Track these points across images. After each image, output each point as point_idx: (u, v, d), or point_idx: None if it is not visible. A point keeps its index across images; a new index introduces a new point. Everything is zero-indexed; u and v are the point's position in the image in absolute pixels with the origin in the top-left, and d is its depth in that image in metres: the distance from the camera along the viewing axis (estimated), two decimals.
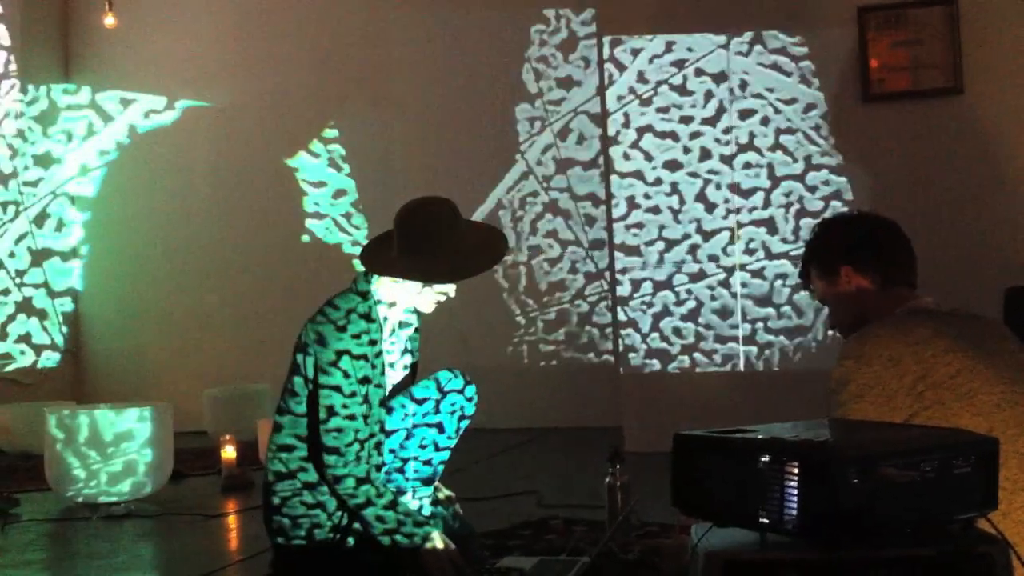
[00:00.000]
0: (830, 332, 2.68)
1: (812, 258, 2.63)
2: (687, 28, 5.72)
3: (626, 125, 5.79)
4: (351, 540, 3.08)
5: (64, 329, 7.87)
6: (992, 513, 1.88)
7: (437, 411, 3.34)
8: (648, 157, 5.77)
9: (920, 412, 2.22)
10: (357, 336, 3.06)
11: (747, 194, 5.64)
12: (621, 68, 5.81)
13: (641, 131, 5.77)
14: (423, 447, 3.34)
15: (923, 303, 2.45)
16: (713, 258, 5.68)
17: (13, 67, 7.56)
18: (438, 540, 3.00)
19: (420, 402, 3.33)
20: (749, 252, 5.65)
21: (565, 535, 3.64)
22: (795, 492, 1.76)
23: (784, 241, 5.61)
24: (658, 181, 5.75)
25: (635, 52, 5.79)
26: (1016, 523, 2.11)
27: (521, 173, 7.19)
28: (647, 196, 5.77)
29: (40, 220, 7.75)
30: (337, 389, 3.02)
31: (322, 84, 7.58)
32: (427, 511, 3.31)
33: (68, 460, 4.65)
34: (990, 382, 2.24)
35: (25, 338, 7.53)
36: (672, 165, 5.74)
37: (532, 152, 7.18)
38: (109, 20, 7.03)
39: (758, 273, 5.64)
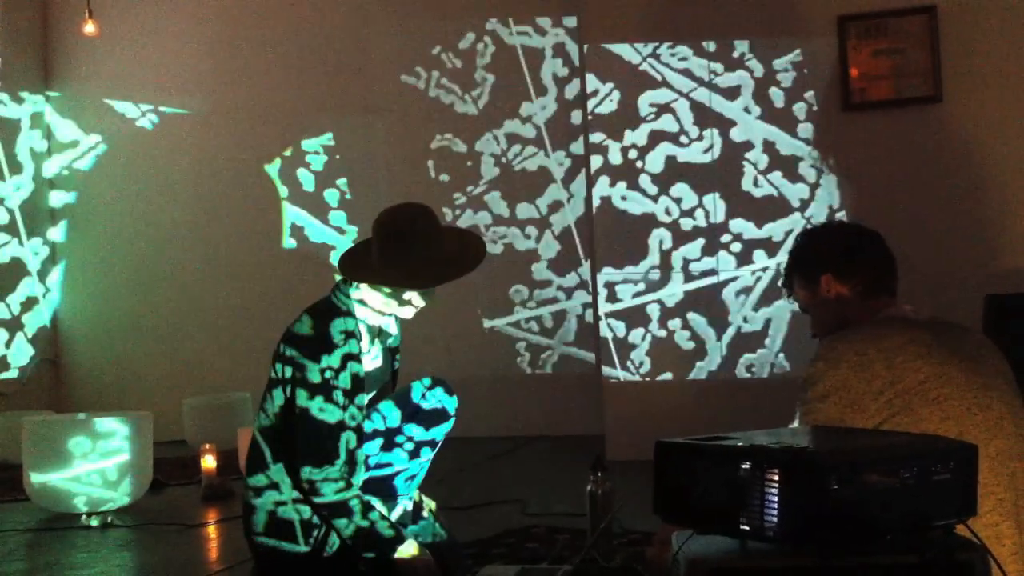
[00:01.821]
0: (812, 339, 2.70)
1: (794, 266, 2.66)
2: (668, 37, 5.74)
3: (608, 134, 5.79)
4: (330, 549, 3.06)
5: (43, 338, 7.82)
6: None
7: (417, 419, 3.33)
8: (630, 165, 5.78)
9: (888, 419, 2.24)
10: (336, 344, 3.05)
11: (728, 203, 5.66)
12: (604, 76, 5.82)
13: (623, 139, 5.78)
14: (402, 456, 3.33)
15: (900, 311, 2.48)
16: (694, 266, 5.69)
17: None
18: (414, 548, 2.99)
19: (400, 410, 3.32)
20: (731, 260, 5.66)
21: (548, 543, 3.64)
22: (776, 499, 1.76)
23: (766, 250, 5.62)
24: (640, 189, 5.76)
25: (617, 60, 5.81)
26: (985, 526, 2.12)
27: (504, 180, 7.19)
28: (629, 204, 5.78)
29: (18, 228, 7.71)
30: (315, 398, 3.01)
31: (303, 90, 7.57)
32: (405, 519, 3.31)
33: (47, 470, 4.62)
34: (961, 387, 2.26)
35: (3, 347, 7.48)
36: (653, 173, 5.74)
37: (516, 159, 7.18)
38: (89, 28, 7.01)
39: (740, 281, 5.65)
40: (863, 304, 2.51)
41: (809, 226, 2.80)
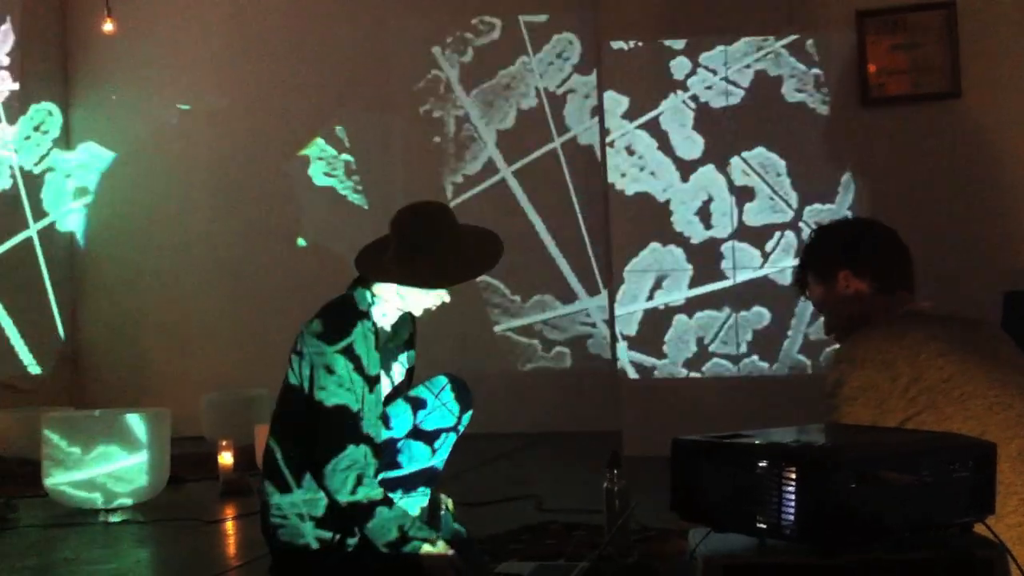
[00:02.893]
0: (827, 336, 2.68)
1: (809, 263, 2.63)
2: (686, 32, 5.72)
3: (625, 128, 5.78)
4: (349, 545, 3.06)
5: (62, 334, 7.86)
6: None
7: (434, 416, 3.32)
8: (646, 162, 5.76)
9: (913, 416, 2.23)
10: (353, 342, 3.05)
11: (744, 199, 5.64)
12: (619, 72, 5.81)
13: (639, 136, 5.77)
14: (420, 452, 3.32)
15: (920, 307, 2.46)
16: (710, 263, 5.68)
17: (12, 72, 7.56)
18: (440, 544, 2.98)
19: (417, 407, 3.31)
20: (748, 257, 5.65)
21: (564, 540, 3.63)
22: (793, 497, 1.75)
23: (784, 246, 5.60)
24: (655, 184, 5.75)
25: (633, 55, 5.79)
26: (1008, 527, 2.11)
27: (520, 177, 7.19)
28: (645, 200, 5.77)
29: (37, 225, 7.74)
30: (334, 395, 3.01)
31: (320, 87, 7.58)
32: (422, 516, 3.30)
33: (65, 466, 4.64)
34: (983, 386, 2.25)
35: (22, 343, 7.52)
36: (669, 169, 5.73)
37: (532, 155, 7.17)
38: (108, 26, 7.05)
39: (757, 278, 5.63)
40: (881, 300, 2.49)
41: (824, 222, 2.77)
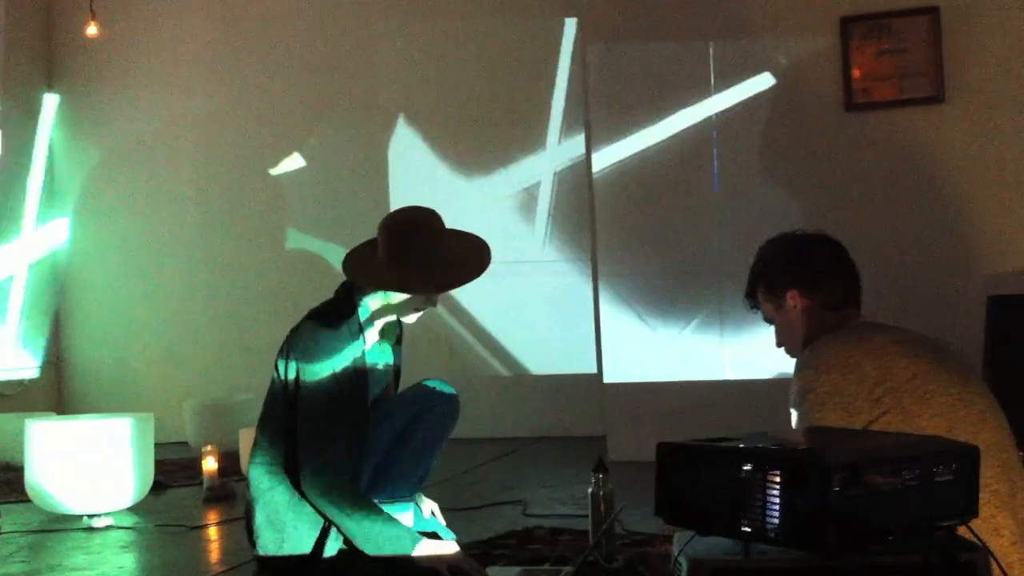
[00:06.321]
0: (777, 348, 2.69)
1: (758, 279, 2.64)
2: (670, 36, 5.73)
3: (609, 134, 5.79)
4: (334, 550, 3.06)
5: (45, 339, 7.82)
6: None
7: (421, 420, 3.32)
8: (632, 166, 5.77)
9: (879, 417, 2.24)
10: (341, 346, 3.05)
11: (729, 203, 5.65)
12: (605, 77, 5.82)
13: (624, 139, 5.77)
14: (406, 456, 3.32)
15: (871, 320, 2.49)
16: (695, 265, 5.69)
17: None
18: (429, 545, 2.96)
19: (403, 411, 3.31)
20: (732, 261, 5.65)
21: (550, 544, 3.64)
22: (777, 500, 1.76)
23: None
24: (641, 188, 5.76)
25: (618, 60, 5.80)
26: (982, 520, 2.12)
27: (507, 181, 7.19)
28: (631, 204, 5.77)
29: (21, 229, 7.71)
30: (320, 399, 3.00)
31: (308, 91, 7.57)
32: (409, 520, 3.30)
33: (48, 471, 4.61)
34: (946, 384, 2.29)
35: (5, 349, 7.48)
36: (655, 173, 5.74)
37: (519, 160, 7.17)
38: (92, 30, 7.03)
39: (740, 282, 5.63)
40: (829, 316, 2.51)
41: (770, 238, 2.74)
